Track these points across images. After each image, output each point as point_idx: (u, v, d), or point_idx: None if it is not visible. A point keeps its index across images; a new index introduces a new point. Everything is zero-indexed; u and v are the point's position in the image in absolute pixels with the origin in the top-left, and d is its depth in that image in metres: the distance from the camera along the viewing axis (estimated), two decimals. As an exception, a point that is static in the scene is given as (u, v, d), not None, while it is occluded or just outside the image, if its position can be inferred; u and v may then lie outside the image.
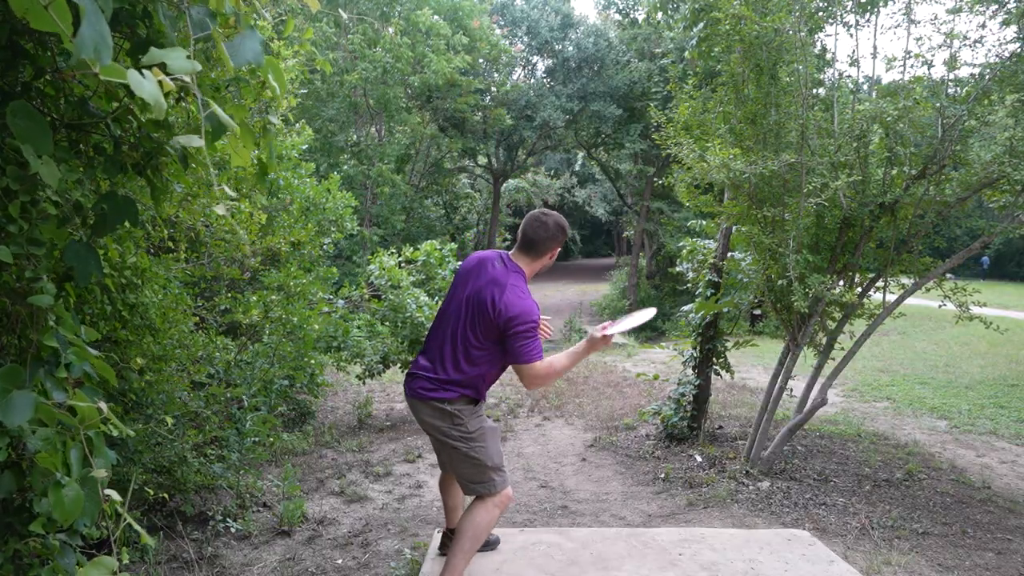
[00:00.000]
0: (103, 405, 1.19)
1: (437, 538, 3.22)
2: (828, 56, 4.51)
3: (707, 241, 5.68)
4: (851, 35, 4.30)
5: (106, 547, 2.71)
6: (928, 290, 4.28)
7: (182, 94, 1.39)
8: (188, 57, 1.01)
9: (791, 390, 4.93)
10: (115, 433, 1.42)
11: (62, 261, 1.60)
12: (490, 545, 3.08)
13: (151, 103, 0.91)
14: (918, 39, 3.99)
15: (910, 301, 4.58)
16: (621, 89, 19.58)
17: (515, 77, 22.17)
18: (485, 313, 2.38)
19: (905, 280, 4.36)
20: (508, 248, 2.75)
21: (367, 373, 6.23)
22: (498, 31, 19.01)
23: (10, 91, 1.43)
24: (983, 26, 3.77)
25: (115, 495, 1.29)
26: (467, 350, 2.44)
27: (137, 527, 1.28)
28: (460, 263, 2.92)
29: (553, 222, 2.51)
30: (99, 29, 0.88)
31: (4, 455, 1.33)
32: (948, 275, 4.26)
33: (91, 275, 1.45)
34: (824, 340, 4.53)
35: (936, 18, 3.87)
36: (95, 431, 1.32)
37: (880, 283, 4.41)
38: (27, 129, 1.09)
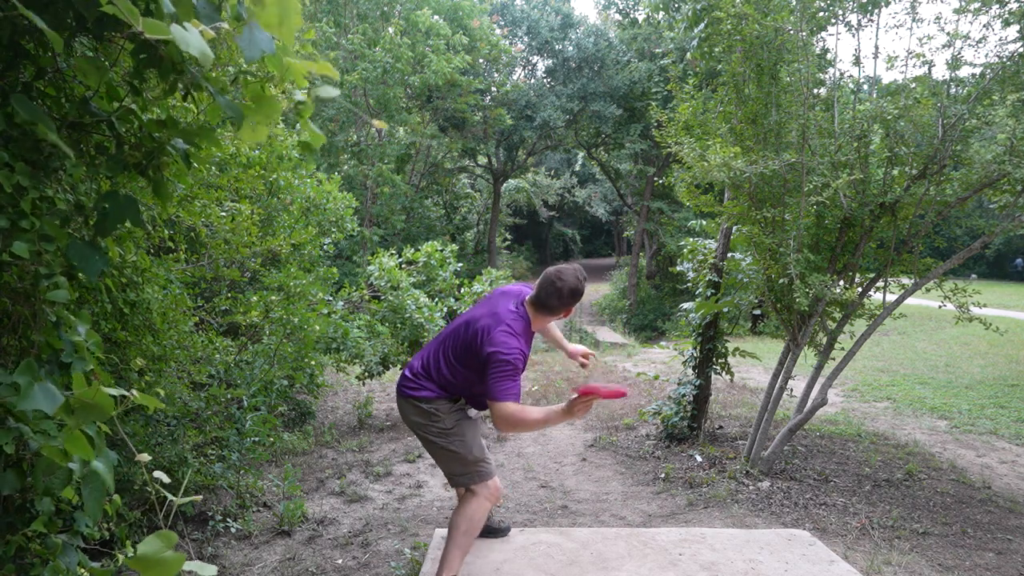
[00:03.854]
0: (134, 391, 1.20)
1: (438, 537, 3.22)
2: (829, 56, 4.51)
3: (707, 241, 5.68)
4: (853, 35, 4.31)
5: (107, 547, 2.71)
6: (928, 290, 4.28)
7: (190, 90, 1.39)
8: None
9: (791, 390, 4.93)
10: (112, 429, 1.42)
11: (63, 260, 1.60)
12: (501, 532, 3.18)
13: (198, 56, 0.92)
14: (921, 39, 4.00)
15: (910, 301, 4.58)
16: (621, 89, 19.56)
17: (515, 77, 22.16)
18: (473, 342, 2.49)
19: (905, 280, 4.36)
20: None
21: (367, 374, 6.23)
22: (498, 31, 18.98)
23: (11, 91, 1.43)
24: (987, 26, 3.77)
25: (164, 477, 1.30)
26: (452, 367, 2.58)
27: (184, 500, 1.27)
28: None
29: (568, 290, 2.52)
30: None
31: (11, 448, 1.33)
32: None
33: (98, 271, 1.45)
34: (824, 340, 4.53)
35: (940, 17, 3.87)
36: (96, 429, 1.32)
37: (880, 283, 4.41)
38: (31, 115, 1.10)
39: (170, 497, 1.27)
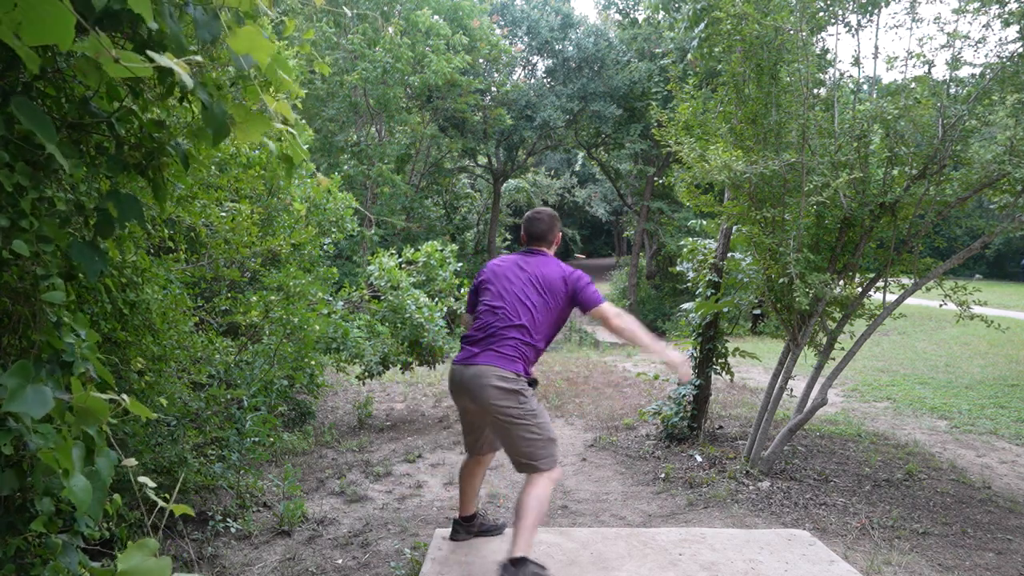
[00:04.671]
0: (125, 396, 1.20)
1: (438, 537, 3.22)
2: (829, 56, 4.51)
3: (707, 241, 5.68)
4: (852, 35, 4.31)
5: (107, 547, 2.71)
6: (928, 290, 4.28)
7: (188, 93, 1.39)
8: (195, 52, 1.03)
9: (791, 390, 4.93)
10: (114, 429, 1.42)
11: (63, 261, 1.60)
12: (498, 530, 3.21)
13: (180, 79, 0.93)
14: (920, 39, 4.00)
15: (910, 301, 4.58)
16: (621, 89, 19.56)
17: (515, 77, 22.15)
18: (555, 285, 2.79)
19: (905, 280, 4.37)
20: (508, 247, 2.97)
21: (367, 374, 6.23)
22: (498, 31, 18.97)
23: (11, 91, 1.43)
24: (987, 26, 3.77)
25: (149, 482, 1.30)
26: (535, 327, 2.77)
27: (179, 508, 1.27)
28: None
29: (547, 215, 3.01)
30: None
31: (10, 449, 1.33)
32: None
33: (98, 272, 1.45)
34: (824, 340, 4.53)
35: (940, 18, 3.87)
36: (96, 429, 1.32)
37: (880, 283, 4.41)
38: (31, 120, 1.10)
39: (161, 503, 1.27)
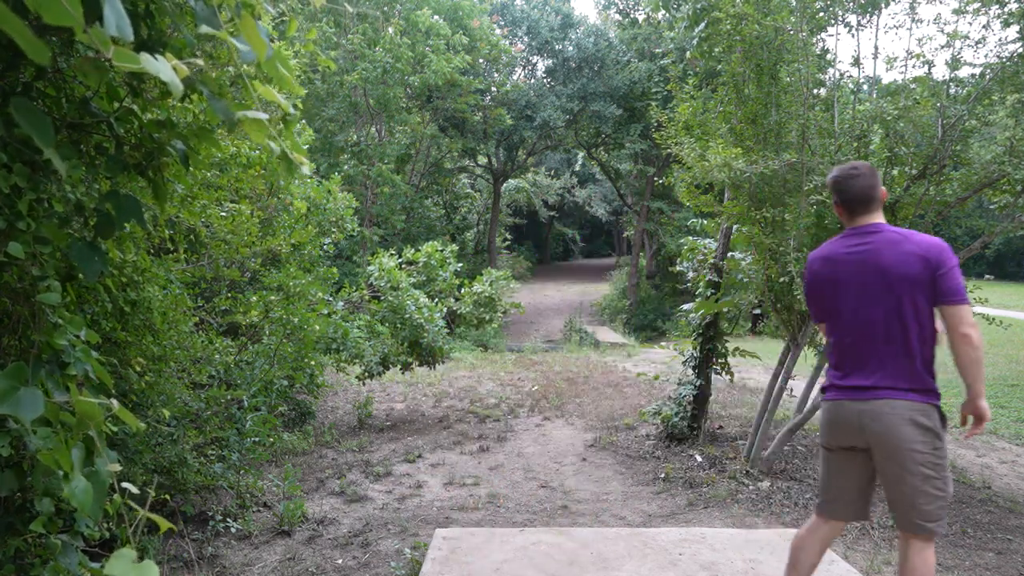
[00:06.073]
0: (114, 402, 1.20)
1: (438, 537, 3.21)
2: (829, 56, 4.52)
3: (707, 240, 5.68)
4: (852, 35, 4.31)
5: (107, 548, 2.71)
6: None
7: (188, 92, 1.39)
8: (196, 54, 1.02)
9: (791, 390, 4.93)
10: (115, 428, 1.42)
11: (63, 262, 1.60)
12: None
13: (168, 83, 0.93)
14: (920, 39, 4.00)
15: (910, 301, 4.57)
16: (621, 89, 19.57)
17: (515, 77, 22.15)
18: (917, 272, 2.15)
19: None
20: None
21: (367, 374, 6.23)
22: (498, 31, 18.97)
23: (11, 91, 1.43)
24: (986, 26, 3.78)
25: (132, 488, 1.30)
26: (920, 329, 2.23)
27: (154, 517, 1.27)
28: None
29: (863, 166, 2.31)
30: (119, 9, 0.92)
31: (7, 451, 1.33)
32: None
33: (98, 272, 1.45)
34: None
35: (939, 18, 3.88)
36: (96, 430, 1.32)
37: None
38: (30, 124, 1.10)
39: (141, 511, 1.27)
